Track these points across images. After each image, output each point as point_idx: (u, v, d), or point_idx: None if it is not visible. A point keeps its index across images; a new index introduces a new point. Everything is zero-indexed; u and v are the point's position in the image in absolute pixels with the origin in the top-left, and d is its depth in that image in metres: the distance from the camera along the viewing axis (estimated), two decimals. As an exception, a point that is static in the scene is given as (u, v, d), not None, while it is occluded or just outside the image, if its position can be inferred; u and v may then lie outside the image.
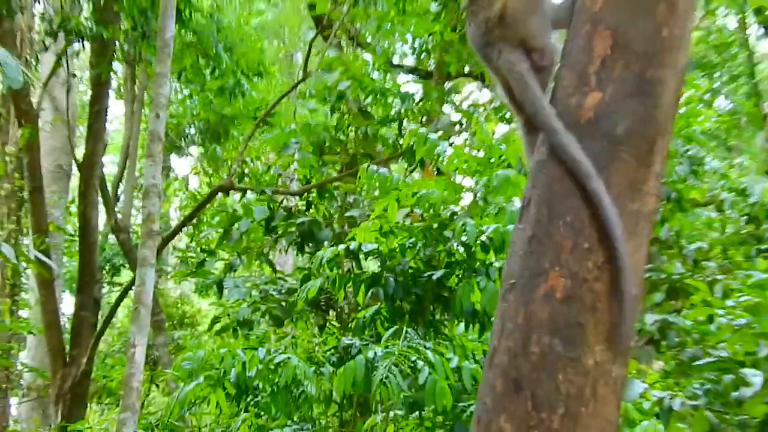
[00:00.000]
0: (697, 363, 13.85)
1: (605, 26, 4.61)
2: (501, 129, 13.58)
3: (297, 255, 17.65)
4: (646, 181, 4.52)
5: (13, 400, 23.07)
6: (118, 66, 23.28)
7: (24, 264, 13.70)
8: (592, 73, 4.58)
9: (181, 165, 33.19)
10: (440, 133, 15.86)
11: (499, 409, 4.48)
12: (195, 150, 32.55)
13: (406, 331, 12.40)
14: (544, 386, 4.41)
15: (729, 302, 13.21)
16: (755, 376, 12.04)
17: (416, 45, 22.19)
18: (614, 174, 4.49)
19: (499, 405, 4.48)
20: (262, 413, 13.86)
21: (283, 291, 16.86)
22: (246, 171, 20.08)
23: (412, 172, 16.55)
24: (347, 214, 16.51)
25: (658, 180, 4.58)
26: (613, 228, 4.31)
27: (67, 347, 19.10)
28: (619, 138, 4.48)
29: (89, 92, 21.72)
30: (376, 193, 13.65)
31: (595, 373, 4.44)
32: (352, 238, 13.31)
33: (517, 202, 12.71)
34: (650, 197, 4.55)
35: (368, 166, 14.00)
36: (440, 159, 14.28)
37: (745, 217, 19.73)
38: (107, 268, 25.65)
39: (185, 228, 22.12)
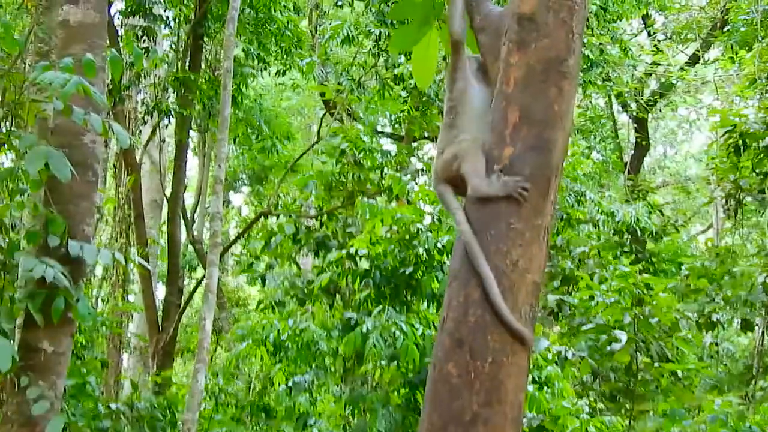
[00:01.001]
0: (583, 328, 13.84)
1: (515, 103, 4.62)
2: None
3: (314, 258, 17.63)
4: (544, 206, 4.53)
5: (125, 357, 23.02)
6: (193, 134, 23.28)
7: (131, 265, 13.60)
8: (507, 135, 4.58)
9: (236, 199, 32.96)
10: (409, 176, 15.89)
11: (447, 358, 4.46)
12: (245, 189, 32.61)
13: (388, 309, 12.45)
14: (478, 343, 4.39)
15: (603, 287, 13.18)
16: (622, 336, 12.04)
17: (392, 118, 22.24)
18: (524, 201, 4.51)
19: (448, 356, 4.46)
20: (290, 364, 13.85)
21: (304, 282, 16.92)
22: (279, 202, 20.05)
23: (390, 202, 16.54)
24: (348, 230, 16.52)
25: (553, 205, 4.60)
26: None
27: (160, 321, 19.04)
28: (526, 177, 4.49)
29: (174, 151, 21.72)
30: (367, 216, 13.68)
31: (513, 334, 4.45)
32: (351, 246, 13.35)
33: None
34: (547, 216, 4.56)
35: (361, 198, 14.13)
36: (409, 193, 14.39)
37: (612, 231, 19.73)
38: (187, 267, 25.59)
39: (239, 240, 22.07)
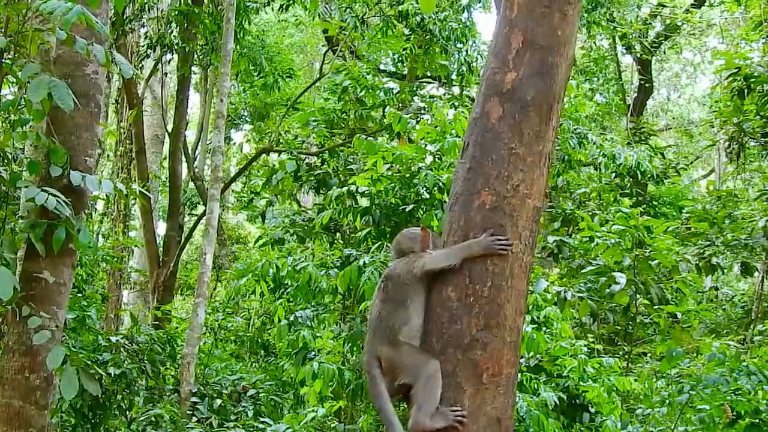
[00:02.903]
0: (583, 270, 13.89)
1: (518, 28, 4.63)
2: (451, 113, 13.62)
3: (315, 195, 17.64)
4: (546, 131, 4.56)
5: (124, 292, 23.09)
6: (195, 69, 23.19)
7: (132, 201, 13.62)
8: (510, 59, 4.61)
9: (237, 136, 32.92)
10: (410, 114, 15.87)
11: (447, 282, 4.51)
12: (247, 126, 32.55)
13: (387, 245, 12.48)
14: (477, 267, 4.44)
15: (603, 229, 13.18)
16: (621, 278, 12.07)
17: (395, 56, 22.13)
18: (525, 126, 4.52)
19: (447, 279, 4.52)
20: (290, 300, 13.90)
21: (305, 219, 16.94)
22: (281, 140, 20.04)
23: (391, 141, 16.52)
24: (349, 168, 16.53)
25: (554, 131, 4.63)
26: None
27: (160, 256, 19.11)
28: (528, 102, 4.52)
29: (176, 86, 21.65)
30: (367, 154, 13.67)
31: (512, 258, 4.48)
32: (352, 184, 13.34)
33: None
34: (549, 142, 4.59)
35: (362, 136, 14.14)
36: (410, 132, 14.37)
37: (614, 174, 19.72)
38: (187, 204, 25.61)
39: (240, 177, 22.09)
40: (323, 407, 12.91)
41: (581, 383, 12.71)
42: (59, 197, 8.14)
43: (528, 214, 4.55)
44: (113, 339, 13.16)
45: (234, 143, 32.46)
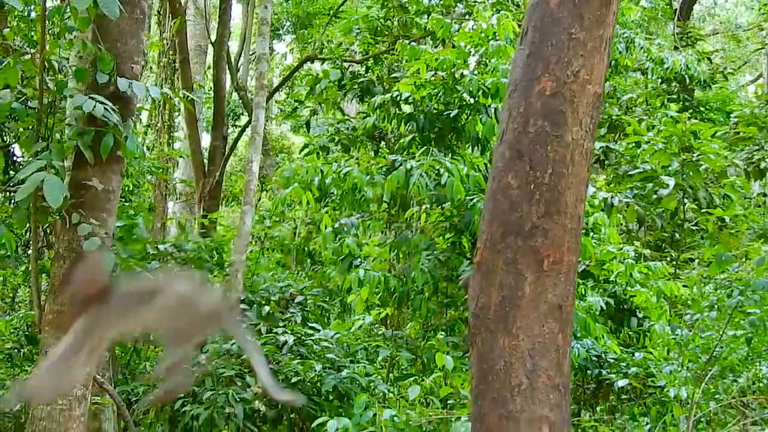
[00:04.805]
0: (629, 174, 13.79)
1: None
2: (494, 18, 13.47)
3: (359, 104, 17.58)
4: (606, 15, 4.50)
5: (170, 204, 23.22)
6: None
7: (177, 102, 13.58)
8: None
9: (279, 47, 32.82)
10: (454, 20, 15.72)
11: (507, 169, 4.49)
12: (289, 37, 32.40)
13: (432, 151, 12.45)
14: (537, 154, 4.41)
15: (650, 134, 13.06)
16: (669, 181, 11.97)
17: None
18: (585, 10, 4.47)
19: (507, 167, 4.50)
20: (336, 209, 13.91)
21: (349, 128, 16.89)
22: (324, 48, 19.94)
23: (436, 47, 16.37)
24: (392, 75, 16.44)
25: (614, 16, 4.57)
26: None
27: (206, 166, 19.15)
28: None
29: (219, -5, 21.56)
30: (411, 60, 13.58)
31: (573, 145, 4.44)
32: (396, 91, 13.29)
33: (506, 65, 12.68)
34: (609, 27, 4.56)
35: (406, 42, 14.05)
36: (453, 37, 14.26)
37: (660, 79, 19.51)
38: (231, 114, 25.61)
39: (283, 87, 22.04)
40: (370, 314, 12.98)
41: (629, 288, 12.70)
42: (106, 104, 8.16)
43: (588, 100, 4.51)
44: (161, 247, 13.23)
45: (276, 54, 32.35)
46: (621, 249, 12.89)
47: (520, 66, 4.62)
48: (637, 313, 12.83)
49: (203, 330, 4.50)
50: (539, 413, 4.35)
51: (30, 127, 9.09)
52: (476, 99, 12.73)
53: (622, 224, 14.68)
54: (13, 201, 9.79)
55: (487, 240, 4.57)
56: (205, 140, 22.28)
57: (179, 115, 21.57)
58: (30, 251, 11.92)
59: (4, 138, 10.97)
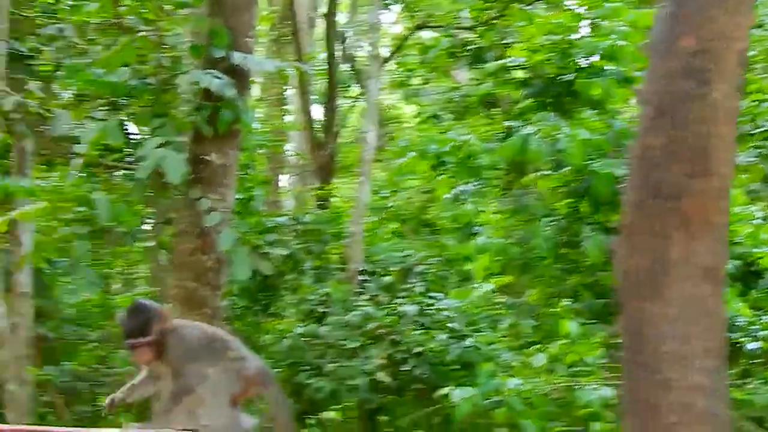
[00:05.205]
0: (751, 133, 13.45)
1: None
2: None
3: (470, 70, 17.39)
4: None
5: (284, 176, 23.35)
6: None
7: (292, 73, 13.59)
8: None
9: (387, 17, 32.58)
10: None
11: (650, 130, 4.35)
12: (396, 7, 32.09)
13: (548, 116, 12.29)
14: (681, 114, 4.26)
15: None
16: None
17: None
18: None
19: (650, 127, 4.37)
20: (452, 177, 13.81)
21: (461, 96, 16.78)
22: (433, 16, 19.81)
23: (547, 11, 16.10)
24: (503, 41, 16.22)
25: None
26: None
27: (319, 138, 19.17)
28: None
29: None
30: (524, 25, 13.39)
31: (718, 104, 4.30)
32: (509, 56, 13.17)
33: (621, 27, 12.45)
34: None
35: (519, 7, 13.89)
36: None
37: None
38: (342, 88, 25.52)
39: (394, 56, 21.88)
40: (490, 282, 12.89)
41: (756, 250, 12.38)
42: (223, 79, 8.18)
43: (733, 58, 4.35)
44: (279, 220, 13.29)
45: (383, 24, 32.13)
46: (747, 210, 12.57)
47: (662, 24, 4.48)
48: (765, 275, 12.52)
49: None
50: (693, 381, 4.21)
51: (147, 105, 9.18)
52: (591, 62, 12.53)
53: (747, 185, 14.30)
54: (132, 178, 9.89)
55: (632, 202, 4.43)
56: (318, 111, 22.28)
57: (289, 88, 21.58)
58: (149, 228, 12.07)
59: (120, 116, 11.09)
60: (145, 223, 12.14)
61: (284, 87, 21.53)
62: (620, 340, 4.48)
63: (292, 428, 4.69)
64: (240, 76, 8.61)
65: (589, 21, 13.63)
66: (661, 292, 4.27)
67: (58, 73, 10.56)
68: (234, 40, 8.59)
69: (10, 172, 11.79)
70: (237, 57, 8.42)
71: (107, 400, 4.84)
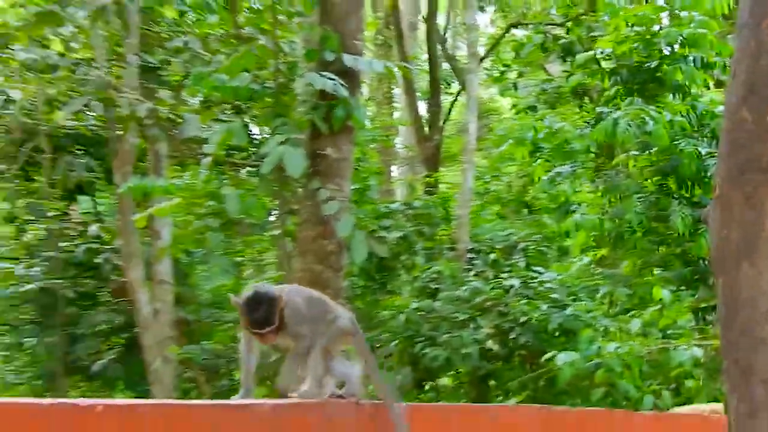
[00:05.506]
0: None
1: None
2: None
3: (561, 64, 17.21)
4: None
5: (394, 168, 23.35)
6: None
7: (398, 73, 13.50)
8: None
9: (481, 19, 32.38)
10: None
11: (741, 105, 4.17)
12: (490, 8, 31.86)
13: (636, 101, 12.10)
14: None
15: None
16: None
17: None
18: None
19: (741, 103, 4.20)
20: (548, 161, 13.68)
21: (554, 87, 16.67)
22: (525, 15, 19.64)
23: (631, 3, 15.83)
24: (591, 35, 16.00)
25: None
26: None
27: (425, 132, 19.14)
28: None
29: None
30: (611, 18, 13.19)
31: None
32: (597, 48, 13.02)
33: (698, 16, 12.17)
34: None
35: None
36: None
37: None
38: (443, 85, 25.42)
39: (490, 54, 21.72)
40: (587, 256, 12.77)
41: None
42: (335, 80, 8.19)
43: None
44: (393, 206, 13.33)
45: (479, 24, 31.92)
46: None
47: (749, 4, 4.28)
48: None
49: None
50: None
51: (267, 106, 9.25)
52: (674, 50, 12.30)
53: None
54: (257, 174, 10.00)
55: (725, 174, 4.25)
56: (422, 107, 22.24)
57: (396, 87, 21.59)
58: (275, 218, 12.15)
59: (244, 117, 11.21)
60: (271, 214, 12.21)
61: (391, 86, 21.53)
62: (714, 304, 4.34)
63: (378, 372, 4.60)
64: (351, 77, 8.66)
65: (669, 11, 13.41)
66: (754, 261, 4.10)
67: (186, 81, 10.72)
68: (343, 44, 8.64)
69: (147, 173, 12.01)
70: (347, 59, 8.45)
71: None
